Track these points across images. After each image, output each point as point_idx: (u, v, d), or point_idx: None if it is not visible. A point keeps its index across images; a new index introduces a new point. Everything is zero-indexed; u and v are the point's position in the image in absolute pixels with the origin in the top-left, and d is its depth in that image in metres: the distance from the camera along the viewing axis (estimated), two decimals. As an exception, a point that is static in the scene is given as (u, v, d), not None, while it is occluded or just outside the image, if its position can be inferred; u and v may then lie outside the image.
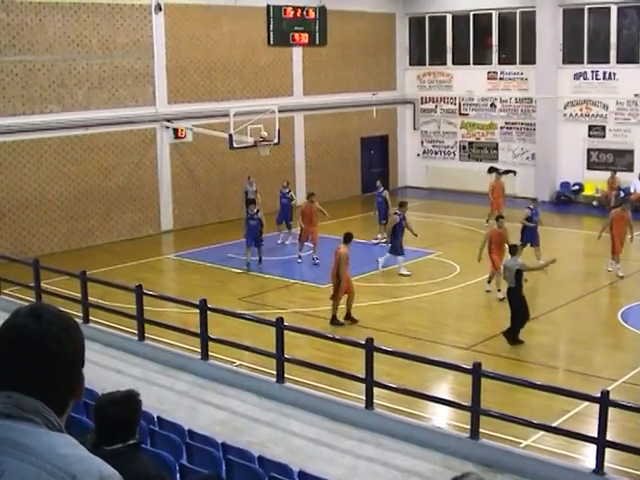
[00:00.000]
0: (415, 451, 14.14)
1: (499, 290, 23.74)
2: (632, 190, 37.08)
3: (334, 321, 22.06)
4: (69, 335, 2.74)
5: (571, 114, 39.39)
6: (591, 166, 39.04)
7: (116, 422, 6.23)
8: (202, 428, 12.99)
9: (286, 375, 16.84)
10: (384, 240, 30.47)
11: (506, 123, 41.58)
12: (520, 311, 20.18)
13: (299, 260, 28.96)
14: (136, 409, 6.67)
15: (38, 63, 29.75)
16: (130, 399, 6.64)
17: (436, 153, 44.03)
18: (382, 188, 32.57)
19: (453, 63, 42.91)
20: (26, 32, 29.34)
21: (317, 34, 39.28)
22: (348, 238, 22.88)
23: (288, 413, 15.82)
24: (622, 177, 37.58)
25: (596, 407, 13.37)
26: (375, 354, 15.60)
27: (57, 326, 2.72)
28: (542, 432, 14.82)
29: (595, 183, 38.43)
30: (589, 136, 38.96)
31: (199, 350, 18.20)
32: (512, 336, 20.08)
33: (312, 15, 38.97)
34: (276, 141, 33.08)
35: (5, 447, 2.55)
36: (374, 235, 31.73)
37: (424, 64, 43.94)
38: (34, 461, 2.53)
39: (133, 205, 33.17)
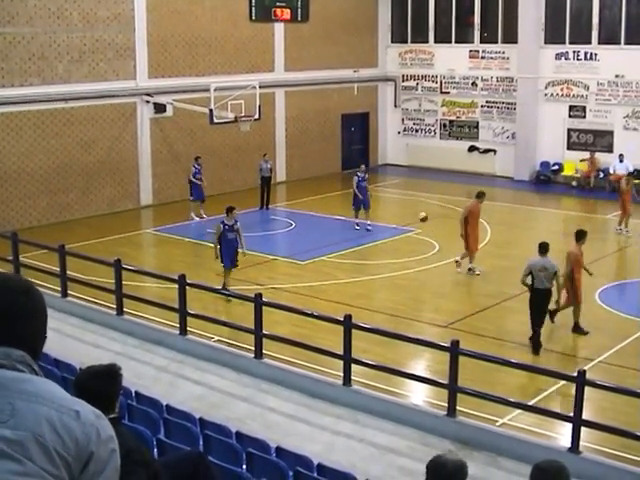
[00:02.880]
0: (392, 428, 14.20)
1: None
2: (611, 171, 37.16)
3: (577, 329, 19.80)
4: (31, 289, 2.97)
5: (552, 94, 39.42)
6: (571, 146, 39.11)
7: (96, 395, 6.21)
8: (180, 403, 13.00)
9: (264, 351, 16.87)
10: (369, 226, 29.45)
11: (487, 102, 41.59)
12: (543, 315, 18.84)
13: (478, 272, 24.47)
14: (117, 383, 6.66)
15: (18, 35, 29.52)
16: (111, 373, 6.63)
17: (417, 131, 44.02)
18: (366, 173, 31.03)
19: (435, 41, 42.82)
20: (6, 4, 29.09)
21: (299, 10, 39.08)
22: (580, 236, 20.00)
23: (266, 389, 15.85)
24: (602, 158, 37.69)
25: (572, 386, 13.46)
26: (353, 331, 15.64)
27: (19, 283, 2.97)
28: (518, 410, 14.91)
29: (575, 163, 38.55)
30: (569, 116, 39.02)
31: (178, 325, 18.20)
32: (537, 342, 18.64)
33: (294, -9, 38.87)
34: (257, 117, 33.01)
35: (10, 392, 2.74)
36: (357, 221, 29.96)
37: (406, 42, 43.82)
38: (41, 401, 2.74)
39: (113, 179, 33.05)
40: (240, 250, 22.40)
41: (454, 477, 6.09)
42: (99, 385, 6.36)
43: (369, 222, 29.72)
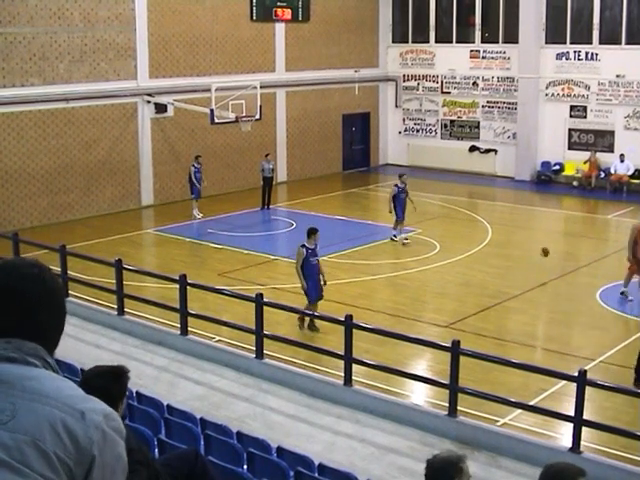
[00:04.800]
0: (393, 428, 14.20)
1: None
2: (612, 171, 37.18)
3: None
4: (44, 275, 2.87)
5: (553, 94, 39.41)
6: (572, 146, 39.10)
7: (99, 394, 6.23)
8: (181, 403, 13.01)
9: (265, 351, 16.86)
10: (406, 240, 27.80)
11: (488, 102, 41.57)
12: None
13: (631, 299, 21.96)
14: (120, 383, 6.69)
15: (19, 35, 29.52)
16: (116, 373, 6.64)
17: (418, 131, 44.00)
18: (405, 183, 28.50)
19: (436, 41, 42.80)
20: (7, 4, 29.09)
21: (300, 10, 39.12)
22: None
23: (266, 389, 15.85)
24: (603, 158, 37.68)
25: (573, 386, 13.46)
26: (354, 331, 15.64)
27: (30, 269, 2.85)
28: (519, 410, 14.91)
29: (576, 163, 38.54)
30: (570, 116, 39.00)
31: (178, 325, 18.20)
32: None
33: (295, -9, 38.89)
34: (258, 117, 33.01)
35: (14, 390, 2.64)
36: (401, 236, 28.05)
37: (407, 42, 43.80)
38: (45, 401, 2.63)
39: (114, 179, 33.04)
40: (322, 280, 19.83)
41: (444, 470, 6.10)
42: (101, 384, 6.37)
43: (396, 232, 28.03)
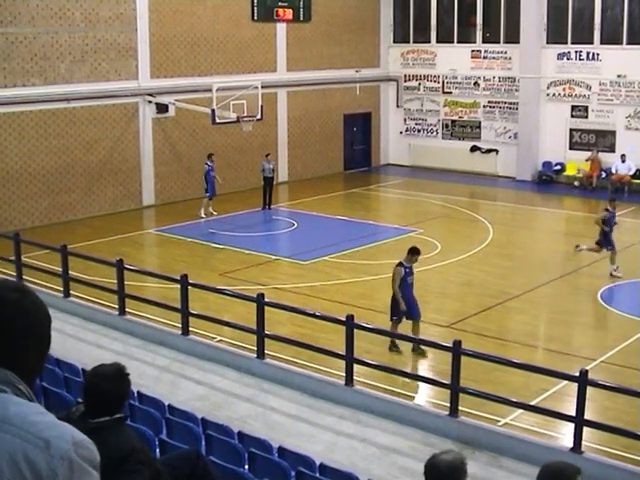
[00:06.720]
0: (394, 428, 14.19)
1: None
2: (614, 171, 37.17)
3: None
4: (25, 302, 2.68)
5: (554, 94, 39.40)
6: (573, 146, 39.09)
7: (110, 398, 6.23)
8: (182, 403, 13.00)
9: (266, 351, 16.85)
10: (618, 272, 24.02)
11: (489, 102, 41.56)
12: None
13: None
14: (129, 385, 6.68)
15: (20, 35, 29.53)
16: (122, 373, 6.63)
17: (419, 131, 43.99)
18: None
19: (437, 41, 42.79)
20: (8, 4, 29.09)
21: (301, 10, 39.12)
22: None
23: (268, 389, 15.84)
24: (604, 158, 37.67)
25: (574, 386, 13.46)
26: (355, 331, 15.63)
27: (10, 293, 2.68)
28: (520, 410, 14.91)
29: (577, 163, 38.53)
30: (572, 116, 38.99)
31: (179, 325, 18.19)
32: None
33: (296, -9, 38.90)
34: (259, 117, 33.03)
35: None
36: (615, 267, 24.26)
37: (408, 42, 43.79)
38: (6, 428, 2.47)
39: (115, 179, 33.04)
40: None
41: (449, 478, 6.07)
42: (113, 388, 6.34)
43: (615, 266, 24.14)
